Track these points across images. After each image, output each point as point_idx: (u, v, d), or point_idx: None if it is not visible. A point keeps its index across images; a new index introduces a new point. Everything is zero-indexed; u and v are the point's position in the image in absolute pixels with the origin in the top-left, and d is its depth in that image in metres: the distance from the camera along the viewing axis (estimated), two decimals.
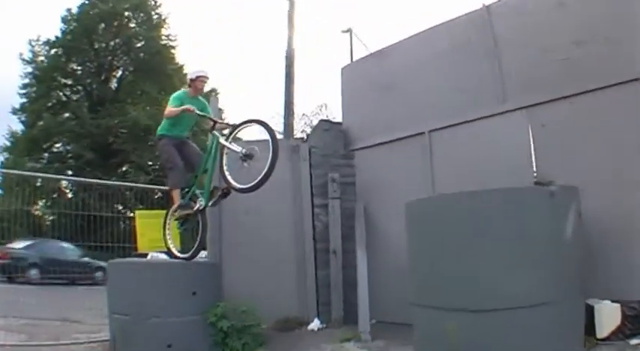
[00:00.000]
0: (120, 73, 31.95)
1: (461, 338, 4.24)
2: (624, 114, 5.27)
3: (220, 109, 7.68)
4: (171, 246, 6.60)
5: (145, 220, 8.22)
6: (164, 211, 6.90)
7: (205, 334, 6.04)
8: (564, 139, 5.53)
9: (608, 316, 4.86)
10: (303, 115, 20.49)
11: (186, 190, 6.40)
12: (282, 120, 12.67)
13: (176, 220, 6.54)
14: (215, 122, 6.24)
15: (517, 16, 6.15)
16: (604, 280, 5.04)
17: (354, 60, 7.51)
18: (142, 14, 31.18)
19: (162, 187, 11.63)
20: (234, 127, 6.01)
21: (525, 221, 4.31)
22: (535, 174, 5.49)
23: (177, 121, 6.40)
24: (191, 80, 6.43)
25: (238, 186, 5.76)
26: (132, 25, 31.11)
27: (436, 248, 4.59)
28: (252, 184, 5.59)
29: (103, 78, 31.05)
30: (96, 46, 30.27)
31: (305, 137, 9.21)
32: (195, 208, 6.30)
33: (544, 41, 5.86)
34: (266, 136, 5.57)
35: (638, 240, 5.05)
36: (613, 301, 4.87)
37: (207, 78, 6.53)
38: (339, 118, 8.00)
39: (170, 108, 6.22)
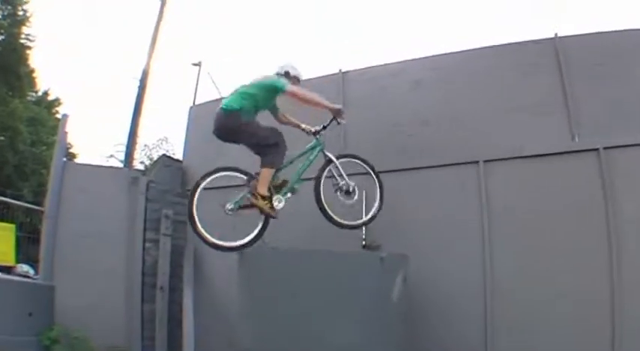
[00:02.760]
0: None
1: None
2: (461, 191, 6.02)
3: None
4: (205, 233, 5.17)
5: None
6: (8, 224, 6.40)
7: None
8: (397, 208, 6.01)
9: None
10: (145, 146, 20.11)
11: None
12: (125, 149, 12.25)
13: (239, 207, 5.27)
14: (324, 128, 5.72)
15: (371, 87, 6.71)
16: (428, 339, 5.62)
17: (202, 95, 7.52)
18: (9, 7, 29.08)
19: None
20: (344, 156, 5.74)
21: (356, 282, 4.75)
22: (364, 237, 5.83)
23: (265, 105, 5.62)
24: (288, 76, 5.60)
25: (336, 218, 5.46)
26: None
27: (270, 298, 4.85)
28: (355, 223, 5.56)
29: None
30: None
31: (144, 169, 9.13)
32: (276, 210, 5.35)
33: (394, 115, 6.41)
34: (372, 177, 5.68)
35: (458, 305, 5.74)
36: None
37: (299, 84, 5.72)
38: (178, 153, 8.00)
39: (305, 91, 5.42)
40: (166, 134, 23.22)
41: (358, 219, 5.60)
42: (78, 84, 48.52)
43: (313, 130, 5.69)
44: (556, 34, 6.23)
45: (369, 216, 5.60)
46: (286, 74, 5.60)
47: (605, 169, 5.66)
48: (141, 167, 15.61)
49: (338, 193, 5.49)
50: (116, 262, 7.06)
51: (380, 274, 4.92)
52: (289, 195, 5.44)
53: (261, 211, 5.25)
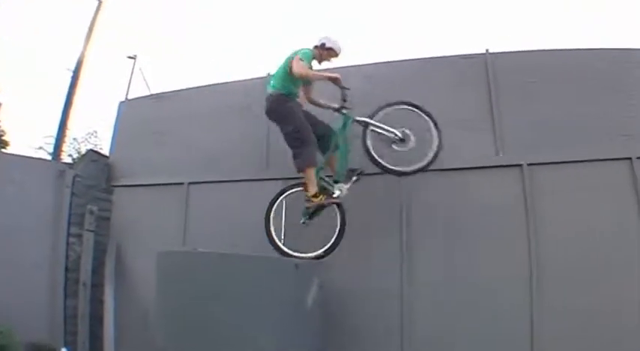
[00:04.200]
0: None
1: None
2: (382, 200, 6.06)
3: None
4: (280, 242, 5.40)
5: None
6: None
7: None
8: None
9: None
10: (74, 139, 19.74)
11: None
12: (54, 141, 11.91)
13: (311, 212, 5.34)
14: (344, 100, 5.45)
15: None
16: (344, 343, 5.66)
17: (133, 91, 7.43)
18: None
19: None
20: (380, 108, 5.46)
21: (272, 287, 4.68)
22: (283, 242, 5.68)
23: (297, 83, 5.47)
24: (324, 47, 5.54)
25: (399, 168, 5.34)
26: None
27: (186, 300, 4.79)
28: (418, 166, 5.32)
29: None
30: None
31: (72, 163, 8.94)
32: (336, 197, 5.34)
33: None
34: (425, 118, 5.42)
35: (375, 312, 5.75)
36: None
37: (336, 57, 5.65)
38: (107, 148, 7.82)
39: (307, 67, 5.28)
40: (96, 128, 22.61)
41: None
42: (15, 71, 46.81)
43: (336, 106, 5.50)
44: (487, 50, 6.27)
45: (428, 159, 5.35)
46: (322, 46, 5.51)
47: (527, 185, 5.75)
48: (69, 161, 15.28)
49: (393, 146, 5.35)
50: (41, 256, 6.86)
51: (295, 281, 4.90)
52: (352, 180, 5.46)
53: (324, 206, 5.27)
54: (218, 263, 4.87)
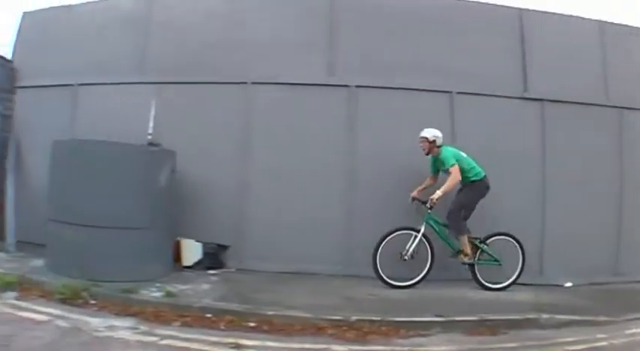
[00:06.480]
0: None
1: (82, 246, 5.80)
2: (228, 107, 7.26)
3: None
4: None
5: None
6: None
7: None
8: (178, 113, 7.25)
9: (192, 250, 6.98)
10: None
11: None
12: None
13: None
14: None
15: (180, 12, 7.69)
16: (194, 224, 7.03)
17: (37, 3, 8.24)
18: None
19: None
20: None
21: (129, 168, 6.04)
22: (150, 136, 6.71)
23: (465, 172, 6.61)
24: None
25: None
26: None
27: (68, 178, 6.07)
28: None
29: None
30: None
31: None
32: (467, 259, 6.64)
33: (190, 36, 7.50)
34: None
35: (224, 195, 7.13)
36: (197, 241, 6.96)
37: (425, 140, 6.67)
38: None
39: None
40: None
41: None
42: None
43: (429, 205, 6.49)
44: None
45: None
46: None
47: (353, 104, 7.18)
48: None
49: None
50: None
51: (150, 163, 6.24)
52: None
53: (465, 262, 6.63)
54: (92, 148, 6.09)
